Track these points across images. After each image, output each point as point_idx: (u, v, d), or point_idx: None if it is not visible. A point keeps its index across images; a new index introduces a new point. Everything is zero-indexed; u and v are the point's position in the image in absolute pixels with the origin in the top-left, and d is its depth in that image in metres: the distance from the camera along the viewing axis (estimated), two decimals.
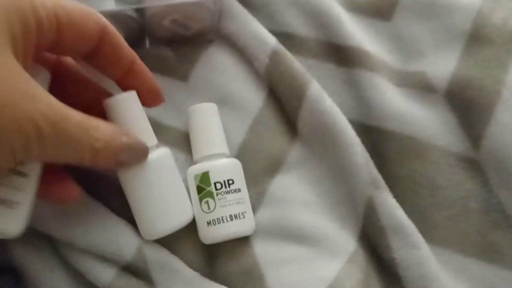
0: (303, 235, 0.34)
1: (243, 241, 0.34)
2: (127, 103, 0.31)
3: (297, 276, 0.32)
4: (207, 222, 0.33)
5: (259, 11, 0.40)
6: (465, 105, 0.36)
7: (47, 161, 0.27)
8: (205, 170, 0.34)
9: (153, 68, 0.39)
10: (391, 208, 0.34)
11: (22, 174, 0.27)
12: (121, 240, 0.32)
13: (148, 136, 0.32)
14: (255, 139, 0.37)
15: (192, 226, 0.33)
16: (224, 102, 0.38)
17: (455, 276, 0.34)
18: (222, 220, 0.33)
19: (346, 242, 0.34)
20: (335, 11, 0.39)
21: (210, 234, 0.33)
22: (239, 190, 0.34)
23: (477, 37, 0.38)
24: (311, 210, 0.35)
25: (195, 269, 0.33)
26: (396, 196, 0.35)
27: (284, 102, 0.38)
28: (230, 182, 0.34)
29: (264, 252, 0.34)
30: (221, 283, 0.33)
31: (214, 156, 0.35)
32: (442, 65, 0.37)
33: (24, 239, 0.32)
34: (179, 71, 0.39)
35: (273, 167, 0.37)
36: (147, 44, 0.40)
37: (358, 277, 0.32)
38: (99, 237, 0.32)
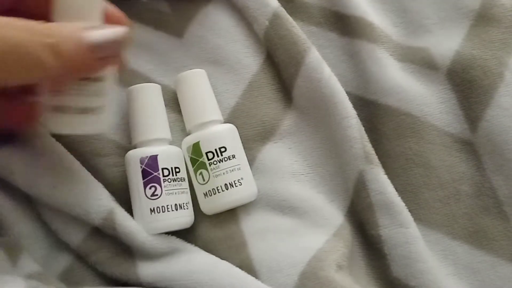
0: (289, 206, 0.34)
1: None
2: (150, 92, 0.33)
3: (281, 246, 0.32)
4: (204, 194, 0.32)
5: None
6: (466, 85, 0.35)
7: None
8: (196, 140, 0.33)
9: (148, 22, 0.37)
10: (382, 185, 0.33)
11: (97, 79, 0.27)
12: (90, 202, 0.31)
13: (163, 130, 0.33)
14: (248, 104, 0.36)
15: None
16: (219, 63, 0.37)
17: (441, 258, 0.33)
18: (218, 190, 0.32)
19: (333, 216, 0.34)
20: None
21: (208, 205, 0.33)
22: (233, 156, 0.33)
23: (484, 17, 0.37)
24: (300, 181, 0.35)
25: (177, 235, 0.33)
26: (388, 173, 0.34)
27: (281, 68, 0.36)
28: (222, 149, 0.32)
29: (249, 220, 0.33)
30: (203, 248, 0.32)
31: (206, 124, 0.34)
32: (446, 43, 0.36)
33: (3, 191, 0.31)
34: (175, 27, 0.37)
35: (265, 135, 0.36)
36: None
37: (342, 251, 0.32)
38: (68, 195, 0.31)
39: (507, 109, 0.34)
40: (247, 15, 0.37)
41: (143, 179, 0.31)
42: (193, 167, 0.33)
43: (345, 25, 0.38)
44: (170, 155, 0.32)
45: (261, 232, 0.33)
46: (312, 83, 0.35)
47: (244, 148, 0.34)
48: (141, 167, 0.32)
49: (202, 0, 0.38)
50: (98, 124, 0.28)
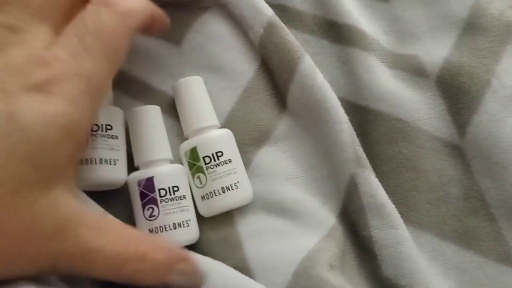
0: (283, 208, 0.34)
1: None
2: (149, 114, 0.35)
3: (275, 247, 0.33)
4: (201, 197, 0.34)
5: None
6: (455, 92, 0.36)
7: None
8: (193, 145, 0.34)
9: None
10: (373, 187, 0.34)
11: (114, 137, 0.33)
12: None
13: (162, 150, 0.34)
14: (243, 109, 0.37)
15: None
16: (215, 70, 0.38)
17: (430, 259, 0.34)
18: (215, 193, 0.33)
19: (326, 217, 0.35)
20: None
21: (205, 208, 0.34)
22: (230, 160, 0.34)
23: (473, 26, 0.38)
24: (294, 184, 0.36)
25: None
26: (380, 176, 0.35)
27: (275, 75, 0.37)
28: (219, 154, 0.34)
29: (245, 222, 0.34)
30: (200, 249, 0.33)
31: (203, 130, 0.35)
32: (435, 50, 0.38)
33: None
34: (173, 35, 0.38)
35: (260, 139, 0.37)
36: None
37: (334, 251, 0.32)
38: None
39: (493, 115, 0.35)
40: (243, 23, 0.38)
41: (141, 201, 0.32)
42: (190, 171, 0.34)
43: (337, 33, 0.39)
44: (167, 175, 0.33)
45: (256, 233, 0.34)
46: (305, 89, 0.36)
47: (240, 152, 0.35)
48: (139, 189, 0.33)
49: (199, 8, 0.39)
50: (115, 173, 0.32)
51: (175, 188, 0.33)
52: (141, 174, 0.33)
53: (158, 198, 0.32)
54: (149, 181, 0.32)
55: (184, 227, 0.32)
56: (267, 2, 0.39)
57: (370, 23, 0.40)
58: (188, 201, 0.33)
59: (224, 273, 0.30)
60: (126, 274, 0.25)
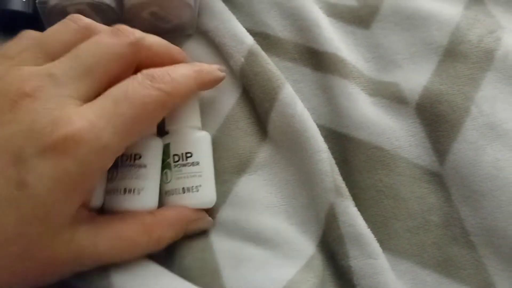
0: (262, 238, 0.35)
1: (202, 237, 0.35)
2: None
3: (253, 277, 0.33)
4: (164, 192, 0.35)
5: (240, 9, 0.41)
6: (434, 120, 0.36)
7: None
8: (167, 142, 0.35)
9: None
10: (352, 217, 0.34)
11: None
12: None
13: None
14: (224, 138, 0.37)
15: None
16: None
17: (411, 287, 0.34)
18: (175, 191, 0.34)
19: (305, 247, 0.35)
20: (314, 15, 0.39)
21: (167, 204, 0.35)
22: (197, 163, 0.34)
23: (452, 53, 0.38)
24: (273, 212, 0.36)
25: (154, 259, 0.34)
26: (360, 204, 0.35)
27: (256, 103, 0.38)
28: (188, 155, 0.34)
29: (223, 250, 0.34)
30: (179, 273, 0.33)
31: (181, 129, 0.36)
32: (415, 78, 0.38)
33: None
34: None
35: (241, 167, 0.37)
36: None
37: (313, 281, 0.33)
38: None
39: (472, 143, 0.35)
40: (224, 52, 0.39)
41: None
42: (162, 165, 0.35)
43: (318, 61, 0.39)
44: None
45: (234, 262, 0.34)
46: (285, 118, 0.36)
47: (220, 180, 0.36)
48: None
49: (182, 36, 0.40)
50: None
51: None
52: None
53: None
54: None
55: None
56: (249, 30, 0.39)
57: (351, 50, 0.40)
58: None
59: None
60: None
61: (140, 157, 0.34)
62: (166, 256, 0.34)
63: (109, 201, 0.33)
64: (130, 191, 0.33)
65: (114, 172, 0.33)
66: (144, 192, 0.33)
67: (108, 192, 0.33)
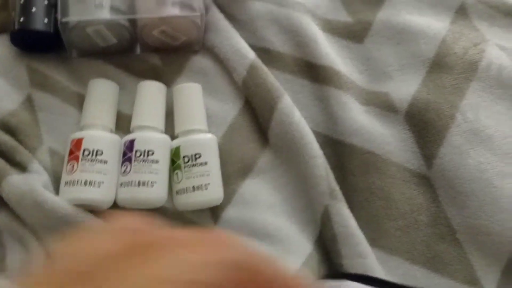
0: (266, 233, 0.37)
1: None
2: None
3: None
4: (176, 192, 0.37)
5: (243, 26, 0.44)
6: (422, 126, 0.39)
7: None
8: (177, 145, 0.38)
9: (142, 73, 0.42)
10: (345, 218, 0.37)
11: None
12: None
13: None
14: (229, 144, 0.40)
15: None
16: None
17: (402, 281, 0.37)
18: (186, 190, 0.37)
19: (304, 245, 0.38)
20: (312, 31, 0.42)
21: (178, 202, 0.37)
22: (205, 163, 0.37)
23: (439, 64, 0.41)
24: (275, 212, 0.39)
25: None
26: (354, 205, 0.38)
27: (257, 113, 0.41)
28: (198, 156, 0.37)
29: None
30: None
31: (190, 132, 0.39)
32: (405, 88, 0.41)
33: None
34: (166, 78, 0.42)
35: (244, 171, 0.40)
36: (138, 51, 0.43)
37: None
38: None
39: (457, 147, 0.38)
40: (228, 66, 0.42)
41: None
42: (172, 166, 0.38)
43: (315, 73, 0.42)
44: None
45: None
46: (284, 126, 0.39)
47: (225, 183, 0.39)
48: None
49: (189, 52, 0.43)
50: (99, 195, 0.36)
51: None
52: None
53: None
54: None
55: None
56: (251, 45, 0.43)
57: (345, 63, 0.43)
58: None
59: None
60: None
61: (153, 153, 0.37)
62: None
63: (124, 193, 0.36)
64: (144, 183, 0.36)
65: (127, 167, 0.37)
66: (157, 184, 0.37)
67: (122, 185, 0.37)
